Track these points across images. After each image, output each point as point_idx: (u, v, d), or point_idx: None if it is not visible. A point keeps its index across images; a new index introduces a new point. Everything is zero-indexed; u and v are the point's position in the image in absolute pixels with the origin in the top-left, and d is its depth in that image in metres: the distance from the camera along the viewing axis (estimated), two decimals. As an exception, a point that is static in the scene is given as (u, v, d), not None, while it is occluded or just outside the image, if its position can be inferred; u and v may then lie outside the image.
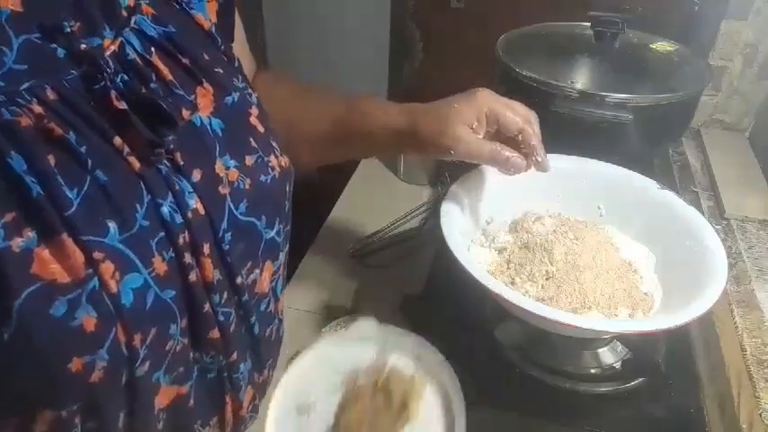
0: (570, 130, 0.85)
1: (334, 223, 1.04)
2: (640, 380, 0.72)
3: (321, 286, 0.90)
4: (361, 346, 0.56)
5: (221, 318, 0.48)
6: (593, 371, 0.73)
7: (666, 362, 0.74)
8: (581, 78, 0.91)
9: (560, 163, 0.81)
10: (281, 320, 0.60)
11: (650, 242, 0.76)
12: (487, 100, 0.64)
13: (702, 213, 0.79)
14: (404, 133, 0.65)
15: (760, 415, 0.63)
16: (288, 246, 0.57)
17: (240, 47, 0.63)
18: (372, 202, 1.09)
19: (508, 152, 0.64)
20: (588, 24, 0.99)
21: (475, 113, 0.63)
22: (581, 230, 0.75)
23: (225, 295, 0.48)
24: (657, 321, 0.63)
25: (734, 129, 1.18)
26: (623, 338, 0.74)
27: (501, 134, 0.65)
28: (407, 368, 0.54)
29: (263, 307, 0.55)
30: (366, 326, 0.58)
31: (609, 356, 0.74)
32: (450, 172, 1.06)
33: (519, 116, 0.64)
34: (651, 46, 1.01)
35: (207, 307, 0.46)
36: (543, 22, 1.08)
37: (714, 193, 0.99)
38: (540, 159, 0.65)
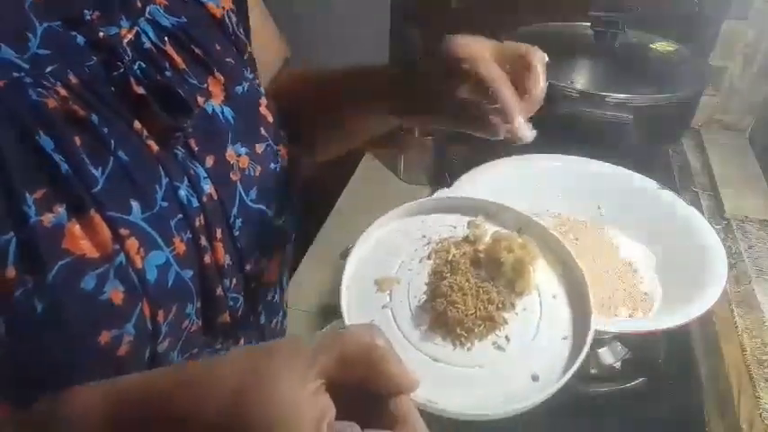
0: (570, 130, 0.85)
1: (334, 223, 1.04)
2: (640, 380, 0.72)
3: (321, 286, 0.90)
4: (449, 216, 0.46)
5: (231, 302, 0.49)
6: (593, 371, 0.72)
7: (666, 362, 0.74)
8: (581, 78, 0.91)
9: (560, 163, 0.81)
10: (285, 313, 0.61)
11: (650, 242, 0.76)
12: (452, 47, 0.49)
13: (702, 213, 0.79)
14: (386, 84, 0.57)
15: (760, 415, 0.63)
16: (294, 237, 0.58)
17: (268, 36, 0.63)
18: (372, 202, 1.09)
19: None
20: (588, 24, 0.99)
21: (478, 39, 0.49)
22: (581, 230, 0.75)
23: (234, 281, 0.49)
24: (657, 321, 0.63)
25: (734, 129, 1.18)
26: (623, 338, 0.74)
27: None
28: (514, 237, 0.42)
29: (269, 296, 0.56)
30: (452, 197, 0.46)
31: (609, 356, 0.73)
32: (450, 172, 1.06)
33: (490, 66, 0.47)
34: (651, 46, 1.01)
35: (219, 290, 0.47)
36: (543, 22, 1.08)
37: (714, 193, 0.99)
38: (515, 124, 0.46)
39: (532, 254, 0.41)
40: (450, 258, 0.42)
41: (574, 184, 0.80)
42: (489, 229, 0.44)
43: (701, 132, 1.16)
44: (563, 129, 0.86)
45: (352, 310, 0.41)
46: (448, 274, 0.41)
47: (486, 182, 0.77)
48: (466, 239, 0.44)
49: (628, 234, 0.77)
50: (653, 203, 0.77)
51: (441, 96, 0.50)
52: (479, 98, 0.46)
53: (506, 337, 0.39)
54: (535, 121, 0.47)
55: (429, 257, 0.43)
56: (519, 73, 0.47)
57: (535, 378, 0.37)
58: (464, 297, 0.40)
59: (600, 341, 0.74)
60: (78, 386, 0.35)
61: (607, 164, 0.81)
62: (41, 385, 0.37)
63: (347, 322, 0.39)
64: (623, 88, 0.86)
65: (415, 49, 1.43)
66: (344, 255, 0.98)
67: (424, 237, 0.45)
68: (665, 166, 1.07)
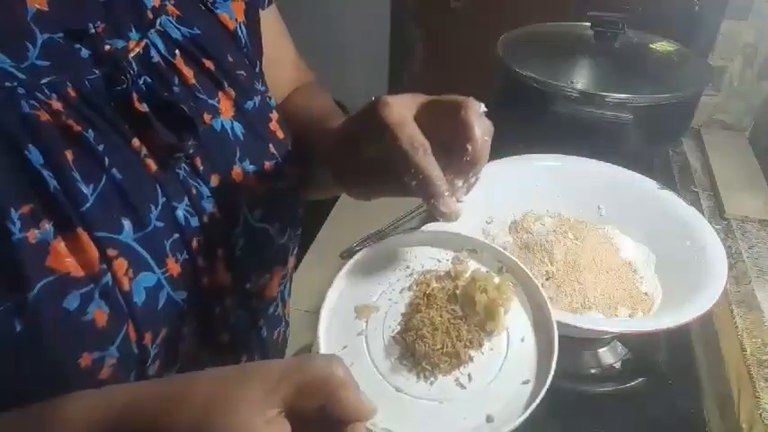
0: (570, 130, 0.85)
1: (334, 223, 1.04)
2: (640, 380, 0.72)
3: (321, 286, 0.90)
4: (435, 250, 0.46)
5: (232, 320, 0.48)
6: (593, 371, 0.72)
7: (666, 362, 0.74)
8: (581, 78, 0.91)
9: (560, 163, 0.81)
10: (287, 323, 0.60)
11: (650, 242, 0.76)
12: (417, 94, 0.46)
13: (702, 213, 0.79)
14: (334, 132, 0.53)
15: (760, 415, 0.63)
16: (296, 249, 0.57)
17: (283, 55, 0.62)
18: (372, 202, 1.09)
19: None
20: (588, 24, 0.99)
21: (403, 96, 0.44)
22: (581, 230, 0.75)
23: (235, 299, 0.48)
24: (657, 321, 0.63)
25: (734, 129, 1.18)
26: (623, 338, 0.74)
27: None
28: (491, 277, 0.43)
29: (271, 310, 0.55)
30: (440, 231, 0.46)
31: (609, 356, 0.73)
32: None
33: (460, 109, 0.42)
34: (651, 46, 1.01)
35: (218, 310, 0.46)
36: (543, 22, 1.08)
37: (714, 193, 0.99)
38: (438, 202, 0.41)
39: (506, 296, 0.42)
40: (428, 292, 0.43)
41: (574, 184, 0.80)
42: (472, 266, 0.45)
43: (701, 132, 1.16)
44: (563, 129, 0.86)
45: (331, 334, 0.42)
46: (423, 308, 0.42)
47: (485, 182, 0.77)
48: (447, 274, 0.45)
49: (628, 234, 0.77)
50: (653, 203, 0.77)
51: (372, 165, 0.46)
52: (405, 168, 0.41)
53: (469, 375, 0.40)
54: (535, 121, 0.46)
55: (410, 288, 0.44)
56: (454, 127, 0.41)
57: (490, 419, 0.38)
58: (434, 332, 0.41)
59: (600, 341, 0.74)
60: (69, 395, 0.34)
61: (607, 164, 0.81)
62: (20, 404, 0.36)
63: (321, 347, 0.41)
64: (623, 88, 0.86)
65: (415, 49, 1.43)
66: (344, 255, 0.98)
67: (408, 267, 0.46)
68: (665, 166, 1.07)
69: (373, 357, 0.41)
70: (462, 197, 0.43)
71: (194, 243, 0.43)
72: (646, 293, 0.70)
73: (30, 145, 0.36)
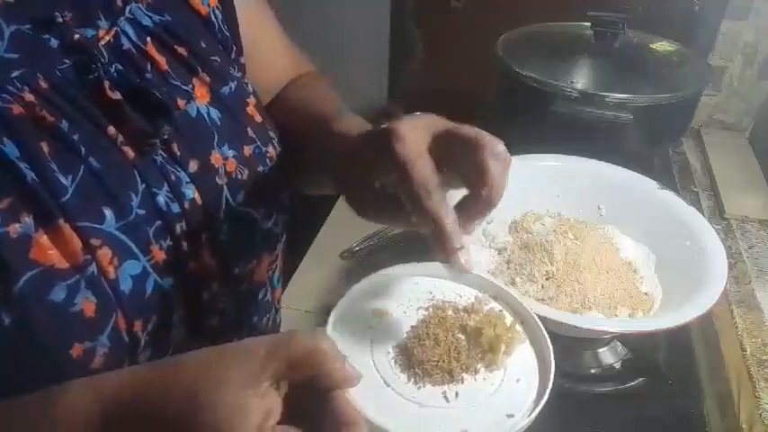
0: (570, 130, 0.85)
1: (333, 223, 1.04)
2: (640, 380, 0.72)
3: (321, 286, 0.90)
4: (460, 286, 0.48)
5: (220, 305, 0.48)
6: (593, 371, 0.72)
7: (666, 362, 0.74)
8: (581, 78, 0.91)
9: (560, 163, 0.81)
10: (277, 309, 0.60)
11: (650, 242, 0.76)
12: (433, 119, 0.44)
13: (702, 213, 0.79)
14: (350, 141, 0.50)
15: (760, 415, 0.63)
16: (285, 235, 0.56)
17: (279, 48, 0.62)
18: (372, 202, 1.09)
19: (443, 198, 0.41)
20: (588, 24, 0.99)
21: (417, 125, 0.42)
22: (581, 230, 0.75)
23: (223, 284, 0.48)
24: (657, 321, 0.63)
25: (734, 129, 1.18)
26: (623, 338, 0.74)
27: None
28: (504, 317, 0.45)
29: (260, 296, 0.55)
30: (470, 272, 0.46)
31: (609, 356, 0.73)
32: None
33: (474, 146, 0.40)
34: (651, 46, 1.01)
35: (206, 296, 0.46)
36: (543, 22, 1.08)
37: (714, 193, 0.99)
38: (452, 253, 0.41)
39: (512, 337, 0.43)
40: (442, 315, 0.45)
41: (574, 184, 0.80)
42: (489, 306, 0.47)
43: (701, 132, 1.16)
44: (563, 129, 0.86)
45: (342, 320, 0.44)
46: (433, 326, 0.44)
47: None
48: (465, 308, 0.46)
49: (628, 234, 0.77)
50: (653, 203, 0.77)
51: (384, 194, 0.44)
52: (417, 210, 0.40)
53: (456, 393, 0.41)
54: (536, 121, 0.46)
55: (426, 309, 0.46)
56: (470, 162, 0.40)
57: None
58: (435, 346, 0.42)
59: (600, 341, 0.74)
60: (55, 388, 0.34)
61: (607, 164, 0.81)
62: (15, 396, 0.35)
63: (329, 328, 0.42)
64: (623, 88, 0.86)
65: (415, 50, 1.43)
66: (345, 255, 0.98)
67: (431, 293, 0.48)
68: (665, 166, 1.07)
69: (373, 351, 0.42)
70: (482, 225, 0.42)
71: (177, 229, 0.43)
72: (646, 293, 0.70)
73: (4, 138, 0.36)
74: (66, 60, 0.40)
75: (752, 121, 1.17)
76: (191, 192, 0.44)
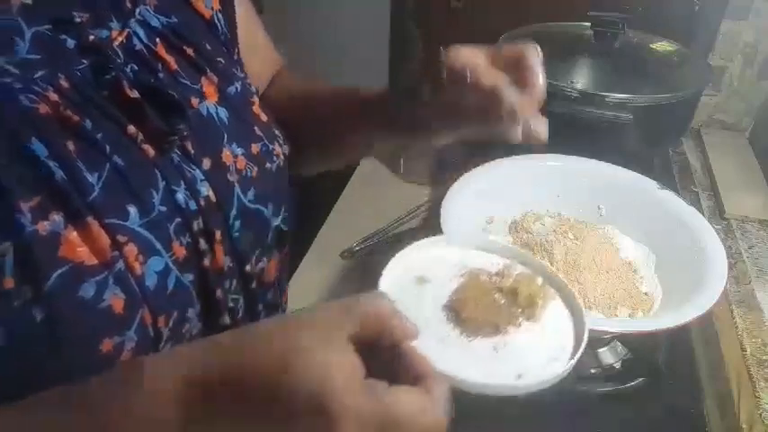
0: (570, 130, 0.84)
1: (334, 223, 1.04)
2: (640, 380, 0.72)
3: (321, 286, 0.90)
4: (489, 254, 0.53)
5: (231, 304, 0.48)
6: (593, 371, 0.73)
7: (666, 362, 0.74)
8: (581, 78, 0.91)
9: (560, 163, 0.82)
10: (284, 310, 0.61)
11: (650, 242, 0.76)
12: (452, 57, 0.49)
13: (702, 213, 0.79)
14: (377, 110, 0.58)
15: (760, 415, 0.63)
16: (293, 235, 0.57)
17: (260, 44, 0.63)
18: (372, 202, 1.09)
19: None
20: (588, 24, 0.99)
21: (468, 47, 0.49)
22: (581, 230, 0.75)
23: (235, 282, 0.48)
24: (657, 321, 0.63)
25: (734, 129, 1.18)
26: (623, 338, 0.74)
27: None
28: (536, 278, 0.50)
29: (269, 296, 0.55)
30: (496, 242, 0.54)
31: (609, 356, 0.74)
32: (450, 172, 1.06)
33: (491, 72, 0.47)
34: (651, 46, 1.01)
35: (219, 293, 0.47)
36: (543, 22, 1.08)
37: (714, 193, 0.99)
38: (525, 128, 0.48)
39: (546, 294, 0.49)
40: (479, 280, 0.50)
41: (574, 184, 0.80)
42: (518, 270, 0.52)
43: (701, 132, 1.16)
44: (563, 129, 0.86)
45: (388, 285, 0.48)
46: (472, 289, 0.48)
47: (486, 181, 0.77)
48: (497, 273, 0.51)
49: (628, 234, 0.77)
50: (653, 203, 0.77)
51: (445, 110, 0.51)
52: (484, 106, 0.47)
53: (504, 343, 0.45)
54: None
55: (461, 276, 0.50)
56: (518, 72, 0.47)
57: (519, 377, 0.43)
58: (479, 306, 0.46)
59: (600, 341, 0.74)
60: (145, 358, 0.36)
61: (607, 164, 0.81)
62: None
63: (382, 286, 0.47)
64: (623, 88, 0.86)
65: (415, 50, 1.43)
66: (345, 255, 0.98)
67: (463, 262, 0.52)
68: (665, 166, 1.07)
69: (423, 312, 0.46)
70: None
71: (195, 226, 0.44)
72: (646, 293, 0.70)
73: (32, 138, 0.36)
74: (84, 61, 0.41)
75: (752, 121, 1.17)
76: (205, 189, 0.45)
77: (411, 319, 0.38)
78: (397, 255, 0.50)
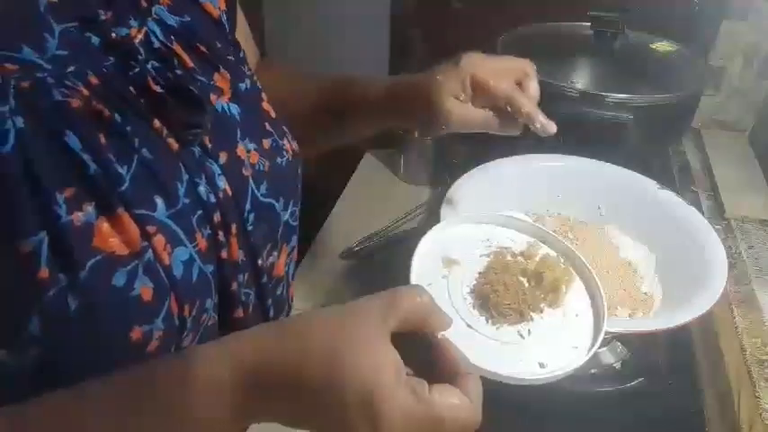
0: (570, 130, 0.84)
1: (334, 223, 1.04)
2: (640, 380, 0.72)
3: (321, 286, 0.90)
4: (513, 232, 0.56)
5: (243, 297, 0.49)
6: (593, 371, 0.73)
7: (666, 362, 0.74)
8: (581, 78, 0.91)
9: (560, 163, 0.82)
10: (291, 307, 0.61)
11: (650, 242, 0.76)
12: (471, 66, 0.61)
13: (702, 213, 0.79)
14: (386, 108, 0.65)
15: (760, 415, 0.63)
16: (298, 229, 0.58)
17: (244, 37, 0.64)
18: (372, 202, 1.09)
19: (501, 119, 0.60)
20: (588, 24, 0.99)
21: (459, 84, 0.60)
22: (581, 230, 0.75)
23: (247, 276, 0.49)
24: (657, 321, 0.63)
25: (734, 129, 1.18)
26: (623, 338, 0.74)
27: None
28: (559, 261, 0.52)
29: (279, 291, 0.56)
30: (519, 219, 0.57)
31: (609, 356, 0.74)
32: (450, 172, 1.06)
33: (504, 82, 0.60)
34: (651, 46, 1.01)
35: (234, 285, 0.48)
36: (543, 22, 1.08)
37: (714, 193, 0.98)
38: (538, 125, 0.60)
39: (569, 278, 0.51)
40: (505, 261, 0.51)
41: (574, 184, 0.80)
42: (543, 250, 0.54)
43: (701, 132, 1.16)
44: (563, 129, 0.86)
45: (420, 272, 0.49)
46: (499, 272, 0.50)
47: (486, 182, 0.77)
48: (522, 253, 0.53)
49: (628, 234, 0.77)
50: (653, 203, 0.77)
51: (459, 108, 0.59)
52: (501, 108, 0.59)
53: (529, 330, 0.47)
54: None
55: (488, 256, 0.52)
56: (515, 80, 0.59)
57: (542, 366, 0.44)
58: (505, 291, 0.48)
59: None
60: (185, 351, 0.38)
61: (607, 164, 0.81)
62: (73, 382, 0.37)
63: (413, 278, 0.48)
64: (623, 88, 0.86)
65: (415, 50, 1.43)
66: (344, 255, 0.98)
67: (488, 240, 0.54)
68: (665, 166, 1.07)
69: (452, 298, 0.48)
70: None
71: (215, 218, 0.45)
72: (646, 293, 0.70)
73: (67, 130, 0.37)
74: (110, 58, 0.41)
75: (752, 121, 1.16)
76: (222, 183, 0.46)
77: (443, 308, 0.40)
78: (426, 234, 0.52)
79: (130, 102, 0.41)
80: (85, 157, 0.37)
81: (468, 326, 0.46)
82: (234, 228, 0.47)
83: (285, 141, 0.55)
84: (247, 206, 0.48)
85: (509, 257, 0.52)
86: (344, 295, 0.88)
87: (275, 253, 0.53)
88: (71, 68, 0.39)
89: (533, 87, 0.60)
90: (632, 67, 0.95)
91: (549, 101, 0.87)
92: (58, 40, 0.39)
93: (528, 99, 0.58)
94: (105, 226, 0.38)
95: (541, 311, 0.48)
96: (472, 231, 0.55)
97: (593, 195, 0.80)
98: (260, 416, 0.37)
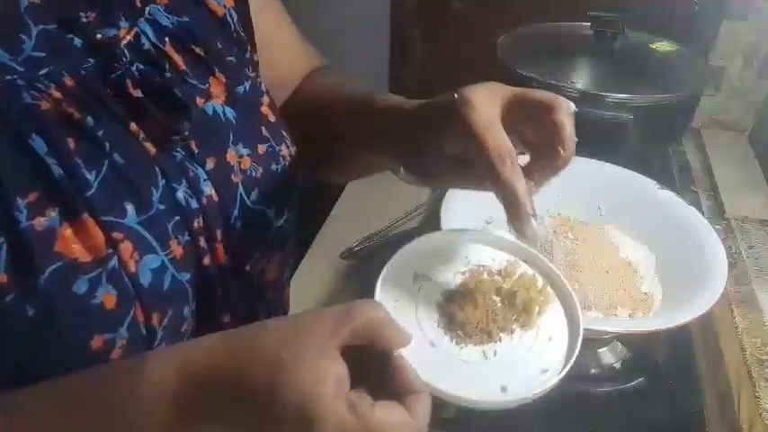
0: (570, 130, 0.84)
1: (334, 223, 1.04)
2: (640, 380, 0.72)
3: (321, 286, 0.90)
4: (494, 250, 0.52)
5: (232, 302, 0.49)
6: (593, 371, 0.72)
7: (666, 362, 0.74)
8: (581, 78, 0.91)
9: (560, 163, 0.81)
10: (286, 311, 0.61)
11: (650, 242, 0.76)
12: (501, 86, 0.44)
13: (702, 213, 0.79)
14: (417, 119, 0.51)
15: (760, 415, 0.63)
16: (295, 235, 0.57)
17: (285, 39, 0.63)
18: (372, 202, 1.09)
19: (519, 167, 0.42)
20: (588, 24, 0.99)
21: (488, 92, 0.43)
22: (581, 230, 0.75)
23: (235, 281, 0.49)
24: (657, 321, 0.63)
25: (734, 129, 1.18)
26: (623, 338, 0.74)
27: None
28: (536, 281, 0.49)
29: (270, 295, 0.55)
30: (501, 236, 0.52)
31: (609, 356, 0.74)
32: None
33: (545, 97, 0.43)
34: (651, 46, 1.01)
35: (220, 291, 0.47)
36: (543, 22, 1.08)
37: (714, 193, 0.98)
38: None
39: (545, 299, 0.47)
40: (479, 279, 0.49)
41: (574, 184, 0.80)
42: (521, 269, 0.50)
43: (701, 132, 1.16)
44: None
45: (387, 287, 0.47)
46: (470, 289, 0.47)
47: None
48: (499, 272, 0.50)
49: (628, 234, 0.77)
50: (653, 203, 0.77)
51: (452, 160, 0.47)
52: (491, 178, 0.41)
53: (495, 351, 0.45)
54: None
55: (463, 273, 0.50)
56: (540, 125, 0.42)
57: (503, 389, 0.42)
58: (474, 309, 0.46)
59: (600, 341, 0.74)
60: (143, 355, 0.36)
61: (607, 164, 0.81)
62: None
63: (377, 294, 0.46)
64: (623, 88, 0.86)
65: (415, 50, 1.43)
66: (344, 255, 0.98)
67: (467, 257, 0.51)
68: (665, 166, 1.07)
69: (418, 315, 0.46)
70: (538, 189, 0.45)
71: (195, 224, 0.44)
72: (646, 293, 0.70)
73: (33, 134, 0.37)
74: (90, 59, 0.41)
75: (752, 121, 1.16)
76: (207, 189, 0.45)
77: (404, 323, 0.38)
78: (402, 248, 0.50)
79: (106, 105, 0.41)
80: (51, 161, 0.37)
81: (431, 343, 0.44)
82: (219, 234, 0.46)
83: (283, 147, 0.53)
84: (235, 212, 0.47)
85: (485, 275, 0.49)
86: (344, 295, 0.88)
87: (266, 258, 0.52)
88: (45, 70, 0.38)
89: (561, 142, 0.42)
90: (632, 67, 0.95)
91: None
92: (34, 41, 0.38)
93: (518, 178, 0.41)
94: (68, 232, 0.37)
95: (512, 332, 0.46)
96: (451, 247, 0.52)
97: (593, 195, 0.80)
98: (204, 422, 0.36)
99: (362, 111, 0.55)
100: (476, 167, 0.42)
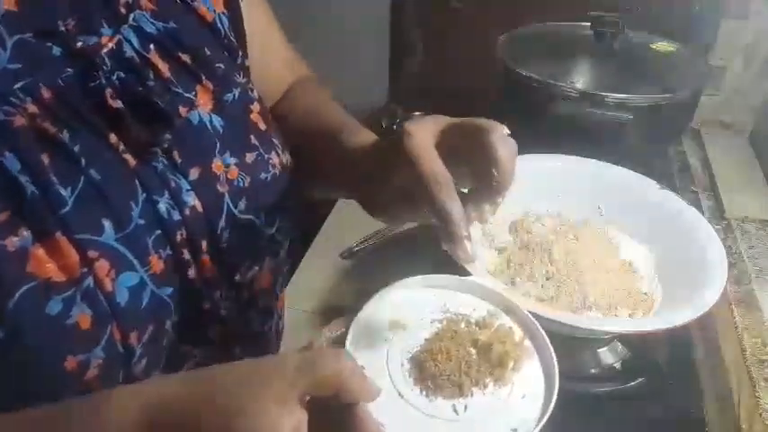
0: (570, 130, 0.85)
1: (334, 223, 1.04)
2: (640, 380, 0.72)
3: (321, 286, 0.90)
4: (474, 299, 0.51)
5: (222, 313, 0.48)
6: (593, 371, 0.72)
7: (666, 362, 0.74)
8: (581, 78, 0.91)
9: (560, 163, 0.81)
10: (280, 316, 0.60)
11: (650, 242, 0.76)
12: (442, 117, 0.45)
13: (702, 213, 0.79)
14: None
15: (760, 415, 0.63)
16: (289, 242, 0.56)
17: (273, 43, 0.62)
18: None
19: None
20: (588, 24, 0.99)
21: (426, 123, 0.43)
22: (581, 230, 0.75)
23: (225, 291, 0.48)
24: (657, 321, 0.63)
25: (734, 129, 1.18)
26: (623, 338, 0.74)
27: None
28: (515, 335, 0.47)
29: (262, 303, 0.54)
30: (484, 285, 0.51)
31: (609, 356, 0.73)
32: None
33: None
34: (651, 46, 1.01)
35: (208, 304, 0.46)
36: (543, 22, 1.08)
37: (714, 193, 0.98)
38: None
39: (521, 353, 0.46)
40: (456, 329, 0.47)
41: (574, 184, 0.80)
42: (499, 321, 0.49)
43: (701, 132, 1.16)
44: (563, 129, 0.86)
45: (359, 334, 0.45)
46: (445, 340, 0.46)
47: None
48: (477, 322, 0.48)
49: (628, 234, 0.77)
50: (653, 203, 0.77)
51: (400, 194, 0.46)
52: (428, 203, 0.41)
53: (465, 406, 0.43)
54: (535, 121, 0.46)
55: (440, 322, 0.48)
56: (479, 150, 0.41)
57: None
58: (447, 361, 0.44)
59: (600, 341, 0.74)
60: (110, 391, 0.34)
61: (607, 164, 0.81)
62: (6, 410, 0.35)
63: (348, 342, 0.44)
64: (623, 88, 0.86)
65: (415, 50, 1.43)
66: (344, 255, 0.98)
67: (446, 305, 0.50)
68: (665, 166, 1.07)
69: (389, 364, 0.44)
70: (490, 218, 0.44)
71: (178, 237, 0.43)
72: (646, 293, 0.70)
73: (5, 151, 0.36)
74: (69, 69, 0.40)
75: (752, 121, 1.16)
76: (191, 199, 0.44)
77: (374, 373, 0.37)
78: (378, 293, 0.48)
79: (84, 116, 0.39)
80: (23, 179, 0.36)
81: (400, 395, 0.43)
82: (204, 245, 0.45)
83: (273, 155, 0.52)
84: (221, 223, 0.46)
85: (462, 325, 0.47)
86: (344, 295, 0.88)
87: (256, 267, 0.51)
88: (21, 83, 0.37)
89: (493, 163, 0.41)
90: (632, 67, 0.95)
91: (549, 101, 0.87)
92: (10, 52, 0.37)
93: (451, 200, 0.40)
94: (41, 251, 0.36)
95: (484, 387, 0.44)
96: (428, 295, 0.50)
97: (593, 195, 0.80)
98: None
99: (326, 149, 0.55)
100: (415, 195, 0.42)
